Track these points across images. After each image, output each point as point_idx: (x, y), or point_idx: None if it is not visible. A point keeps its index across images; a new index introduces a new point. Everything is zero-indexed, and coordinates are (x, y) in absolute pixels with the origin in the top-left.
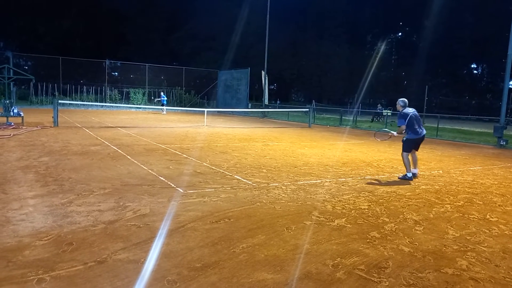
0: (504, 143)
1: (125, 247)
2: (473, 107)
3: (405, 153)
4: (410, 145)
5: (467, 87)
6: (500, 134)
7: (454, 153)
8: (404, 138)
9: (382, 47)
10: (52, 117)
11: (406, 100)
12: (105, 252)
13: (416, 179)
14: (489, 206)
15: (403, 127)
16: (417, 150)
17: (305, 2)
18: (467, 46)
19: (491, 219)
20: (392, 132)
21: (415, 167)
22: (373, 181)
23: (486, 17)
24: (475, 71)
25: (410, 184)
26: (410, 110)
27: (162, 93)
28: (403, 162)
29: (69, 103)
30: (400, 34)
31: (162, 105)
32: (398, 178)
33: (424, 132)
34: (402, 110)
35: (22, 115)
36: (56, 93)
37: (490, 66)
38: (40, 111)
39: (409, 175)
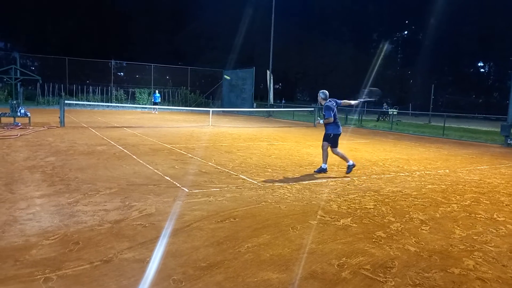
0: None
1: (131, 246)
2: (479, 105)
3: (325, 144)
4: (336, 140)
5: (473, 86)
6: (507, 133)
7: (461, 152)
8: (329, 133)
9: (388, 46)
10: (59, 117)
11: (326, 92)
12: (111, 251)
13: (423, 179)
14: (496, 205)
15: (331, 119)
16: (336, 147)
17: (310, 0)
18: (473, 44)
19: (498, 218)
20: (318, 118)
21: (348, 160)
22: (378, 181)
23: (493, 14)
24: (481, 69)
25: (415, 183)
26: (333, 103)
27: (156, 91)
28: (322, 155)
29: (76, 103)
30: (405, 32)
31: (155, 103)
32: (314, 172)
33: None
34: (326, 103)
35: (29, 115)
36: (63, 94)
37: (497, 64)
38: (47, 111)
39: (324, 166)
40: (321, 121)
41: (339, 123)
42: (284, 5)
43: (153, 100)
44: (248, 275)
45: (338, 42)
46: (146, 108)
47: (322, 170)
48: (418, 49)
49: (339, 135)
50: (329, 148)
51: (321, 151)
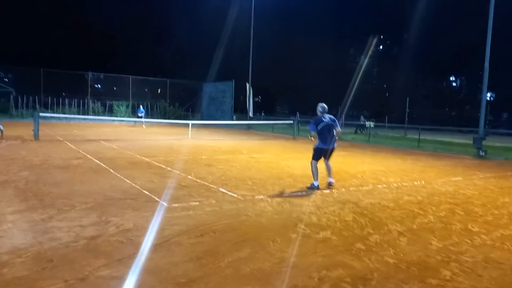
0: (483, 153)
1: (108, 263)
2: (452, 118)
3: (313, 161)
4: (319, 154)
5: (446, 99)
6: (479, 145)
7: (436, 163)
8: (315, 146)
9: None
10: (33, 130)
11: (325, 106)
12: (87, 268)
13: (401, 190)
14: (470, 216)
15: (313, 133)
16: (327, 159)
17: (288, 16)
18: (446, 59)
19: (472, 229)
20: (309, 135)
21: (330, 176)
22: (357, 193)
23: (464, 31)
24: (454, 84)
25: (393, 195)
26: (326, 118)
27: (141, 106)
28: (311, 171)
29: (51, 116)
30: (381, 47)
31: (140, 117)
32: (307, 187)
33: (334, 146)
34: (319, 116)
35: (1, 128)
36: (37, 106)
37: (468, 79)
38: (21, 124)
39: (316, 184)
40: (311, 138)
41: (329, 138)
42: (264, 19)
43: (138, 114)
44: None
45: (316, 57)
46: (135, 121)
47: (313, 187)
48: (393, 64)
49: (325, 150)
50: (319, 163)
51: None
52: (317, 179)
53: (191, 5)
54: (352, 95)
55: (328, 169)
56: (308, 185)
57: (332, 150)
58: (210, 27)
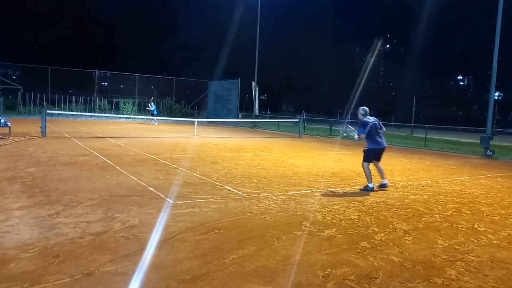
0: (491, 153)
1: (113, 259)
2: (459, 118)
3: (365, 163)
4: (371, 155)
5: (453, 99)
6: (487, 144)
7: (442, 163)
8: (365, 148)
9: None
10: (40, 127)
11: (366, 108)
12: (93, 264)
13: (406, 189)
14: (477, 215)
15: (362, 135)
16: (379, 161)
17: (294, 14)
18: (453, 58)
19: (479, 228)
20: (355, 133)
21: (383, 178)
22: (362, 191)
23: (471, 30)
24: (461, 83)
25: (398, 194)
26: (371, 119)
27: (152, 103)
28: (364, 173)
29: (58, 113)
30: (387, 46)
31: (152, 115)
32: (360, 189)
33: (385, 144)
34: (363, 118)
35: (9, 125)
36: (45, 103)
37: (476, 78)
38: (28, 121)
39: (371, 185)
40: (356, 137)
41: (379, 139)
42: (270, 18)
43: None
44: (233, 287)
45: (321, 55)
46: (144, 119)
47: (367, 189)
48: (399, 63)
49: (375, 150)
50: (371, 165)
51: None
52: (371, 181)
53: (197, 4)
54: (358, 94)
55: (380, 170)
56: (361, 187)
57: (383, 150)
58: (217, 25)
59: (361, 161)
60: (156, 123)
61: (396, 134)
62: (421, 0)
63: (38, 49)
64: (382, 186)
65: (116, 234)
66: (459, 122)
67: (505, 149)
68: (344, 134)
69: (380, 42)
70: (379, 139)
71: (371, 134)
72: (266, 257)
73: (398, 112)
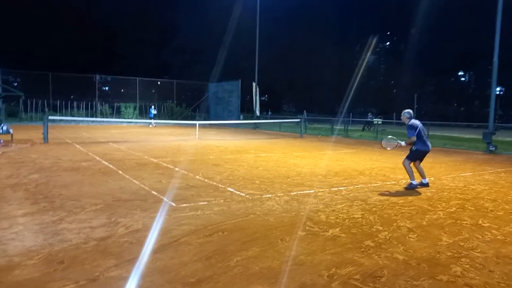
0: (493, 148)
1: (118, 264)
2: (461, 114)
3: (407, 161)
4: (417, 155)
5: (455, 95)
6: (489, 140)
7: (445, 159)
8: (414, 148)
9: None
10: (42, 133)
11: (411, 111)
12: (97, 269)
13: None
14: (481, 211)
15: (414, 138)
16: (421, 161)
17: (294, 15)
18: (454, 54)
19: (483, 224)
20: (399, 141)
21: (424, 177)
22: (365, 190)
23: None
24: (462, 79)
25: (402, 191)
26: (417, 122)
27: (152, 107)
28: (406, 170)
29: (60, 119)
30: (387, 43)
31: (150, 118)
32: (405, 188)
33: (431, 146)
34: (409, 121)
35: (11, 132)
36: (46, 109)
37: (477, 74)
38: (30, 127)
39: (414, 182)
40: (403, 143)
41: (427, 141)
42: (269, 18)
43: (149, 115)
44: None
45: (322, 54)
46: (141, 122)
47: (412, 186)
48: (400, 60)
49: (423, 151)
50: (413, 164)
51: (403, 167)
52: (414, 178)
53: (197, 6)
54: (358, 92)
55: (421, 171)
56: (406, 185)
57: (428, 152)
58: (216, 27)
59: (403, 159)
60: (152, 126)
61: (398, 131)
62: None
63: (39, 55)
64: (423, 185)
65: (120, 239)
66: (461, 118)
67: (507, 144)
68: (391, 147)
69: (375, 39)
70: (427, 142)
71: (420, 136)
72: (270, 258)
73: (400, 109)
